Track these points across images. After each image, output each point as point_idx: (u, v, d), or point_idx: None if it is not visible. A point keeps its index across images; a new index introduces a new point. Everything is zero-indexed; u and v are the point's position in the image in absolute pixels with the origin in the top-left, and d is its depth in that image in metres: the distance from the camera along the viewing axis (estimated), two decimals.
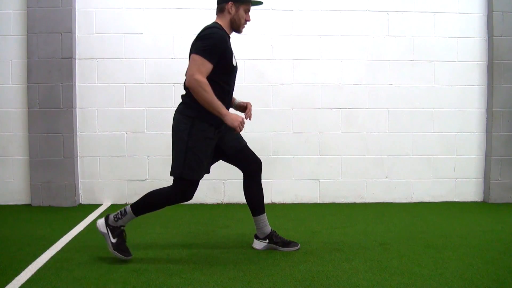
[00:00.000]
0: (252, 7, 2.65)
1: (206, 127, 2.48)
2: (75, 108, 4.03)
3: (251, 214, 2.77)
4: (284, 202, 4.19)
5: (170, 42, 4.09)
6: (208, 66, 2.41)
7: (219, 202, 4.16)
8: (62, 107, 3.96)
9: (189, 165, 2.46)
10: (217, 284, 2.23)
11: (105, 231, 2.54)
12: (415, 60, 4.18)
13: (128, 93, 4.07)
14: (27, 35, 3.93)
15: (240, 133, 2.64)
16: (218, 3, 2.61)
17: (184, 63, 4.05)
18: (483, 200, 4.28)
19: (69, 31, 3.93)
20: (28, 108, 3.96)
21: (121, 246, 2.53)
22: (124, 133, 4.09)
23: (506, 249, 2.79)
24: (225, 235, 3.13)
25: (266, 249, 2.76)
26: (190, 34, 4.08)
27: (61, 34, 3.93)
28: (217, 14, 2.63)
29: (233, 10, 2.56)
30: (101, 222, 2.57)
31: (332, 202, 4.20)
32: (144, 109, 4.09)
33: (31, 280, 2.25)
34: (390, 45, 4.17)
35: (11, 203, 4.06)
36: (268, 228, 2.77)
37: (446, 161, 4.25)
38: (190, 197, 2.54)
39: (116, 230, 2.54)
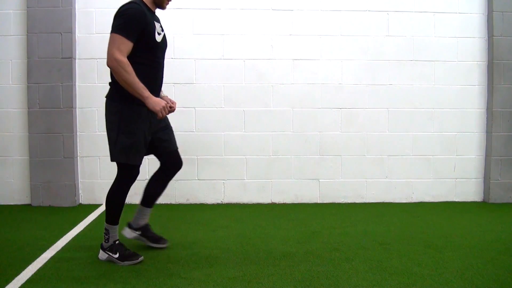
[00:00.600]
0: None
1: (135, 108, 2.40)
2: (75, 108, 4.03)
3: (140, 201, 2.74)
4: (284, 202, 4.19)
5: (170, 42, 4.04)
6: (127, 44, 2.30)
7: (219, 202, 4.16)
8: (62, 107, 3.96)
9: (125, 149, 2.42)
10: (217, 284, 2.23)
11: (106, 255, 2.55)
12: (415, 60, 4.18)
13: None
14: (27, 35, 3.93)
15: (173, 133, 2.58)
16: None
17: (184, 63, 4.10)
18: (483, 200, 4.28)
19: (69, 31, 3.93)
20: (28, 108, 3.96)
21: (125, 254, 2.54)
22: None
23: (506, 249, 2.79)
24: (225, 235, 3.13)
25: (135, 239, 2.74)
26: (190, 34, 4.10)
27: (61, 34, 3.93)
28: None
29: None
30: (100, 254, 2.58)
31: (332, 202, 4.20)
32: None
33: (31, 280, 2.25)
34: (390, 45, 4.17)
35: (11, 203, 4.06)
36: (144, 222, 2.76)
37: (446, 161, 4.25)
38: (137, 174, 2.56)
39: (113, 247, 2.55)
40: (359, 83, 4.17)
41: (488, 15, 4.17)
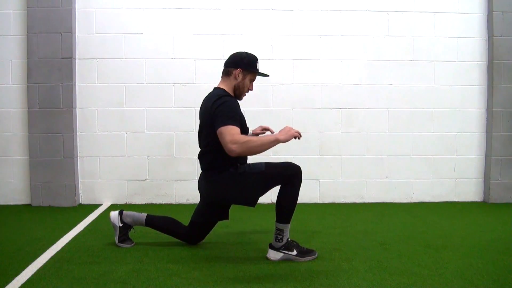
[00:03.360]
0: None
1: (249, 169, 2.58)
2: (75, 108, 4.03)
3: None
4: None
5: (170, 42, 4.09)
6: (236, 130, 2.42)
7: None
8: (62, 107, 3.96)
9: (255, 194, 2.60)
10: (217, 284, 2.23)
11: (281, 254, 2.56)
12: (415, 60, 4.18)
13: (128, 93, 4.07)
14: (27, 35, 3.93)
15: None
16: (226, 65, 2.66)
17: (184, 63, 4.09)
18: (483, 200, 4.28)
19: (69, 31, 3.93)
20: (28, 108, 3.96)
21: (303, 251, 2.60)
22: (124, 133, 4.09)
23: (506, 249, 2.79)
24: (225, 235, 3.13)
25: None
26: (190, 34, 4.10)
27: (61, 34, 3.93)
28: (222, 77, 2.68)
29: (239, 77, 2.61)
30: (273, 254, 2.57)
31: (332, 202, 4.20)
32: (144, 109, 4.09)
33: (31, 280, 2.25)
34: (390, 45, 4.17)
35: (11, 203, 4.06)
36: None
37: (446, 161, 4.25)
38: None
39: (288, 245, 2.57)
40: (359, 83, 4.17)
41: (488, 15, 4.17)
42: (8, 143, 4.04)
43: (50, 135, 3.96)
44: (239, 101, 2.68)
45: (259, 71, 2.68)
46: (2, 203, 4.06)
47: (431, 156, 4.24)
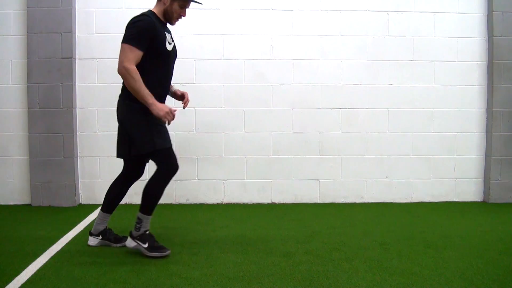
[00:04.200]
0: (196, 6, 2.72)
1: (143, 110, 2.55)
2: (75, 108, 4.03)
3: (103, 207, 2.81)
4: (284, 202, 4.19)
5: None
6: (136, 53, 2.47)
7: (219, 202, 4.16)
8: (62, 107, 3.96)
9: (157, 136, 2.56)
10: (217, 284, 2.23)
11: (134, 244, 2.62)
12: (415, 60, 4.18)
13: None
14: (27, 35, 3.93)
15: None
16: None
17: (184, 63, 4.09)
18: (483, 200, 4.28)
19: (69, 31, 3.93)
20: (28, 108, 3.96)
21: (154, 246, 2.61)
22: None
23: (506, 249, 2.79)
24: (225, 235, 3.13)
25: (100, 245, 2.80)
26: (190, 34, 4.10)
27: (61, 34, 3.93)
28: (156, 1, 2.67)
29: (168, 2, 2.60)
30: (128, 241, 2.65)
31: (332, 202, 4.20)
32: None
33: (31, 280, 2.25)
34: (390, 45, 4.17)
35: (11, 203, 4.06)
36: (103, 226, 2.82)
37: (446, 161, 4.25)
38: (177, 165, 2.63)
39: (143, 236, 2.61)
40: (359, 83, 4.17)
41: (488, 15, 4.17)
42: (8, 143, 4.04)
43: (50, 135, 3.96)
44: (172, 26, 2.70)
45: None
46: (2, 203, 4.06)
47: (431, 156, 4.24)
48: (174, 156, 2.64)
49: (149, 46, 2.49)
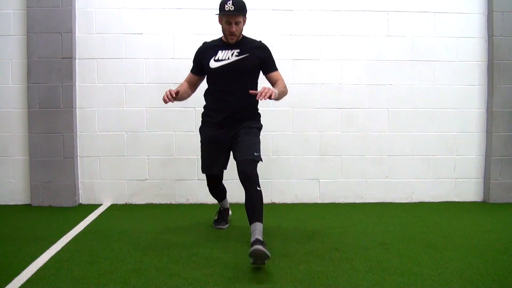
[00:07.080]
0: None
1: (201, 129, 3.07)
2: (75, 108, 4.03)
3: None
4: (284, 202, 4.19)
5: (170, 42, 4.09)
6: (189, 75, 3.08)
7: None
8: (62, 107, 3.96)
9: (201, 161, 3.07)
10: (217, 284, 2.23)
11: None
12: (415, 60, 4.18)
13: (128, 93, 4.07)
14: (27, 35, 3.93)
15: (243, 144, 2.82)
16: None
17: (184, 63, 4.07)
18: (483, 200, 4.28)
19: (69, 31, 3.93)
20: (28, 108, 3.96)
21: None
22: (124, 133, 4.09)
23: (506, 249, 2.79)
24: (225, 235, 3.13)
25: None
26: (190, 34, 4.10)
27: (61, 34, 3.93)
28: None
29: (220, 22, 2.92)
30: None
31: (332, 202, 4.20)
32: (144, 109, 4.09)
33: (31, 280, 2.25)
34: (390, 45, 4.17)
35: (11, 203, 4.06)
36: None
37: (446, 161, 4.25)
38: (209, 186, 3.19)
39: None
40: (359, 83, 4.17)
41: (488, 15, 4.17)
42: (8, 143, 4.04)
43: (50, 135, 3.95)
44: (230, 42, 2.92)
45: (226, 9, 2.79)
46: (2, 203, 4.05)
47: (431, 156, 4.24)
48: (208, 180, 3.15)
49: (201, 69, 2.99)
